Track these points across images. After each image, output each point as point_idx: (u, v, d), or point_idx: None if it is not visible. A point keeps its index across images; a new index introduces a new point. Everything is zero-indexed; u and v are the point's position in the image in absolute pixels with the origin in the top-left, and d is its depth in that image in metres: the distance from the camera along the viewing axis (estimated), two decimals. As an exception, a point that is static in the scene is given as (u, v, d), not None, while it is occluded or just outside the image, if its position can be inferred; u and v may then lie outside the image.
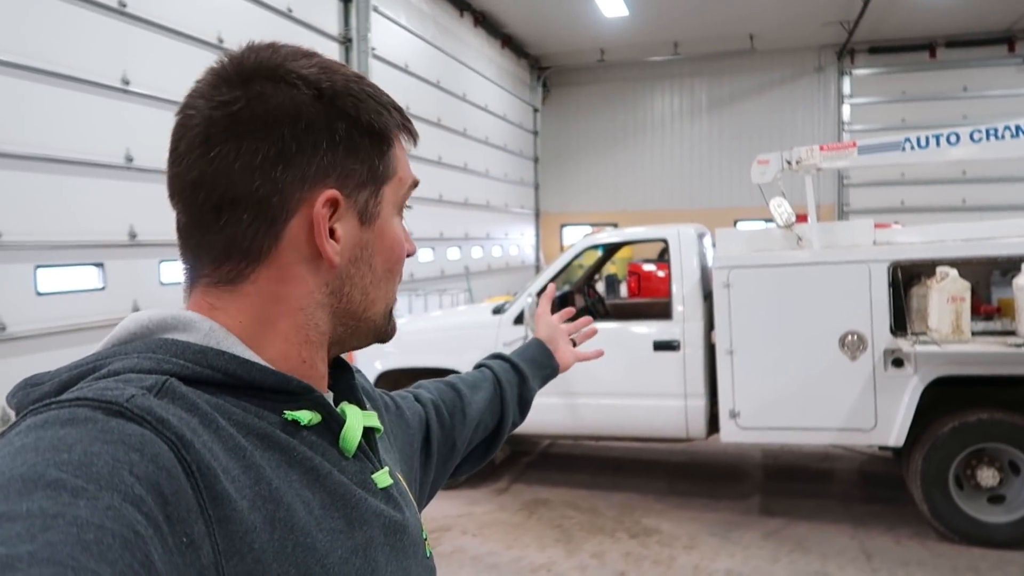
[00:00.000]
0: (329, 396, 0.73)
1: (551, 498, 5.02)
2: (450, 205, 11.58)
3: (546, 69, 16.33)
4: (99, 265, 5.27)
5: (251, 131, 0.62)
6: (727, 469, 5.57)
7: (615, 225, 14.78)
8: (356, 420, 0.69)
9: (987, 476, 4.02)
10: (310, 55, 0.68)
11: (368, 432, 0.72)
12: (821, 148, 4.47)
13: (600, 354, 1.44)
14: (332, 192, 0.65)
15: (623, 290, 13.16)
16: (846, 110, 14.81)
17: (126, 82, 5.43)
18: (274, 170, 0.63)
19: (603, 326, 4.95)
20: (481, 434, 1.14)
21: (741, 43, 14.42)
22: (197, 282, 0.66)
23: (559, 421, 4.91)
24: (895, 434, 4.08)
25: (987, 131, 4.16)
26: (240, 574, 0.52)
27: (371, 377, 5.17)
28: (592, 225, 15.31)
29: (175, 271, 5.81)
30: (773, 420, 4.31)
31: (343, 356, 0.78)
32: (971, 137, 4.18)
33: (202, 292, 0.66)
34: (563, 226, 16.90)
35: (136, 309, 5.24)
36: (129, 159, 5.44)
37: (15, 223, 4.65)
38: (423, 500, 0.98)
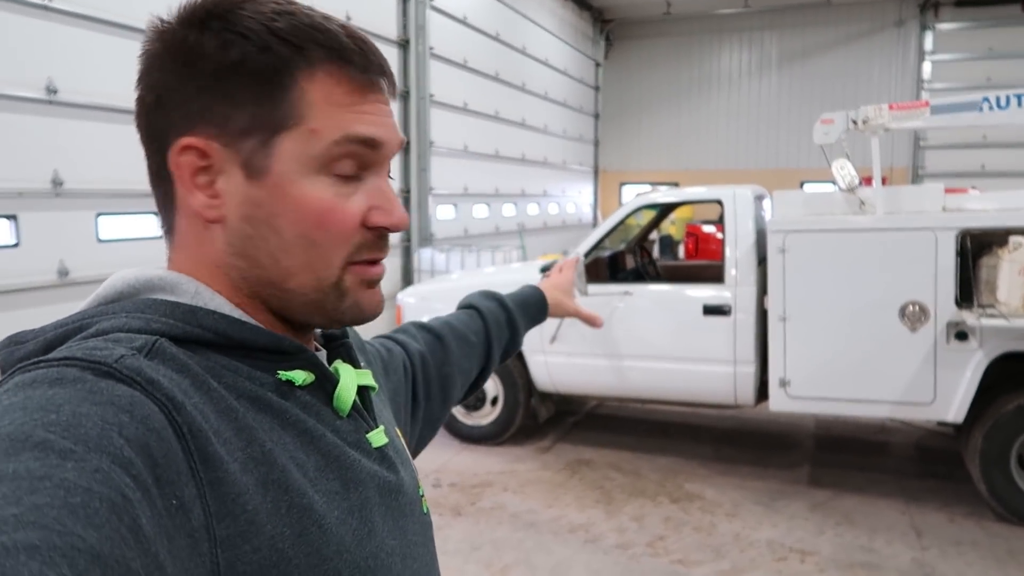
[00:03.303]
0: (323, 355, 0.71)
1: (594, 459, 5.01)
2: (507, 161, 11.48)
3: (609, 22, 15.90)
4: (11, 218, 4.48)
5: (145, 76, 0.63)
6: (777, 438, 5.46)
7: (676, 184, 14.47)
8: (350, 379, 0.68)
9: (1052, 457, 3.83)
10: None
11: (363, 391, 0.70)
12: (890, 107, 4.22)
13: (597, 324, 1.44)
14: (190, 139, 0.60)
15: (680, 251, 12.96)
16: (927, 67, 14.03)
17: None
18: (154, 114, 0.62)
19: (653, 288, 4.88)
20: (466, 380, 1.14)
21: (816, -5, 13.75)
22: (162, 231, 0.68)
23: (606, 382, 4.87)
24: (955, 410, 3.91)
25: (1076, 90, 3.86)
26: (232, 535, 0.51)
27: (417, 332, 5.21)
28: (652, 184, 15.03)
29: (118, 226, 5.11)
30: (825, 390, 4.18)
31: None
32: (1058, 97, 3.89)
33: (167, 244, 0.67)
34: (622, 184, 16.63)
35: (64, 270, 4.75)
36: (52, 91, 4.57)
37: None
38: (415, 451, 0.97)
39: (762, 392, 4.53)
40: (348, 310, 0.66)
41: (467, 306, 1.22)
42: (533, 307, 1.31)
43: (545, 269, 5.08)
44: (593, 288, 4.47)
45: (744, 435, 5.51)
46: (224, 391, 0.57)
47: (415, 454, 0.99)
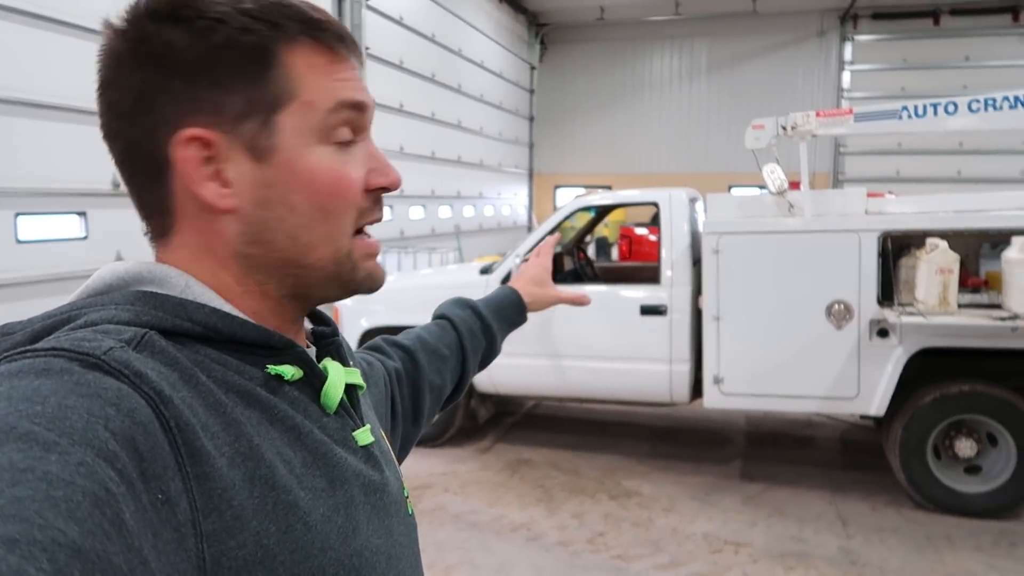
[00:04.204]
0: (312, 352, 0.71)
1: (534, 458, 5.05)
2: (442, 163, 11.46)
3: (544, 26, 16.06)
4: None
5: (115, 80, 0.60)
6: (710, 434, 5.61)
7: (609, 187, 14.69)
8: (338, 376, 0.68)
9: (965, 447, 4.05)
10: None
11: (350, 389, 0.70)
12: (817, 114, 4.40)
13: (584, 302, 1.37)
14: (191, 131, 0.59)
15: (614, 253, 13.17)
16: (846, 77, 14.65)
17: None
18: (137, 117, 0.60)
19: (591, 289, 4.95)
20: (438, 397, 1.11)
21: (744, 4, 14.19)
22: (148, 239, 0.66)
23: (546, 382, 4.92)
24: (877, 403, 4.10)
25: (986, 101, 4.10)
26: (218, 531, 0.51)
27: (356, 334, 5.16)
28: (586, 187, 15.22)
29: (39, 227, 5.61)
30: (756, 387, 4.33)
31: (326, 313, 0.76)
32: (969, 107, 4.12)
33: (154, 248, 0.65)
34: (557, 187, 16.79)
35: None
36: None
37: (-6, 169, 4.55)
38: (398, 459, 0.96)
39: (696, 390, 4.65)
40: (363, 280, 0.68)
41: (440, 316, 1.18)
42: (509, 309, 1.25)
43: (485, 271, 5.10)
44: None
45: (679, 432, 5.64)
46: (212, 385, 0.56)
47: (400, 459, 0.99)
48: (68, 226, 5.10)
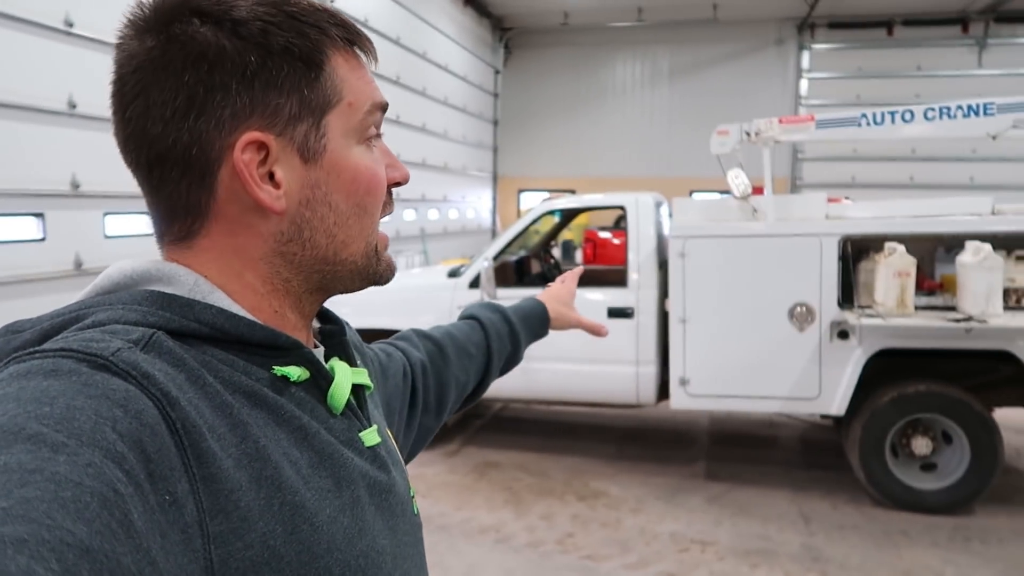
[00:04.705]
0: (320, 352, 0.71)
1: (502, 461, 5.06)
2: (408, 165, 11.30)
3: (509, 30, 16.09)
4: (39, 215, 5.06)
5: (157, 82, 0.59)
6: (675, 435, 5.68)
7: (573, 191, 14.78)
8: (345, 377, 0.68)
9: (921, 445, 4.17)
10: None
11: (357, 389, 0.71)
12: (780, 121, 4.50)
13: (602, 333, 1.37)
14: (252, 135, 0.60)
15: (579, 257, 13.24)
16: (804, 84, 14.95)
17: (70, 23, 5.17)
18: (186, 120, 0.59)
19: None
20: (461, 393, 1.12)
21: (704, 12, 14.39)
22: (162, 240, 0.65)
23: (512, 385, 4.91)
24: (837, 403, 4.20)
25: (940, 110, 4.24)
26: (225, 532, 0.51)
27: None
28: (550, 191, 15.29)
29: (120, 224, 5.64)
30: (722, 388, 4.40)
31: (333, 312, 0.77)
32: (925, 115, 4.26)
33: (168, 250, 0.65)
34: (521, 191, 16.82)
35: (79, 262, 5.17)
36: (72, 105, 5.18)
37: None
38: (407, 457, 0.97)
39: (663, 391, 4.71)
40: (384, 271, 0.72)
41: (469, 316, 1.20)
42: (535, 320, 1.27)
43: (453, 274, 5.10)
44: (501, 292, 4.53)
45: (645, 434, 5.71)
46: (219, 386, 0.56)
47: (406, 462, 0.99)
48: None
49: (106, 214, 5.52)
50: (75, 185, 5.21)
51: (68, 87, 5.15)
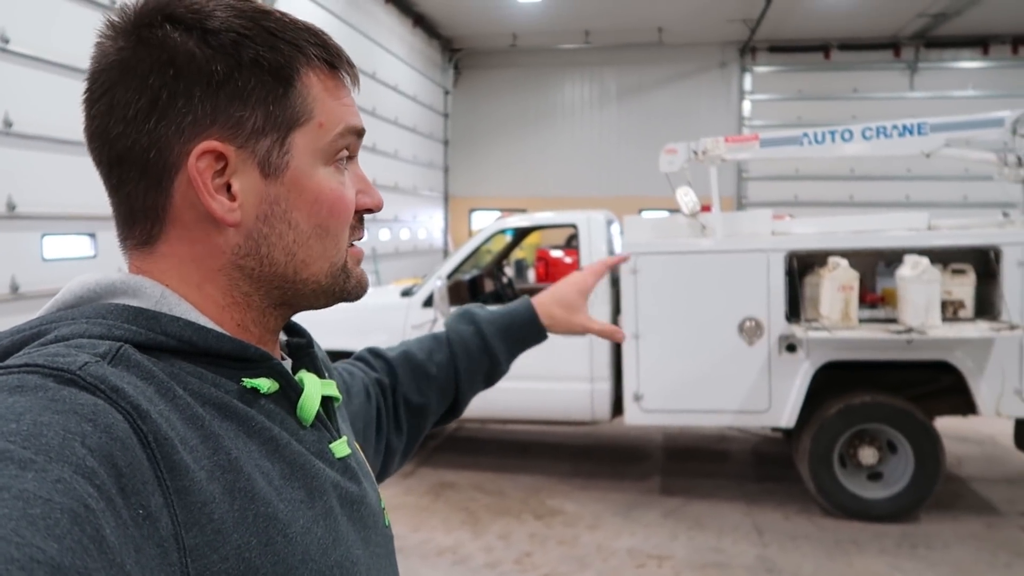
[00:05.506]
0: (288, 364, 0.70)
1: (458, 481, 5.02)
2: (358, 185, 11.34)
3: (458, 51, 16.19)
4: None
5: (122, 82, 0.59)
6: (630, 451, 5.72)
7: (524, 210, 14.86)
8: (314, 389, 0.67)
9: (867, 455, 4.28)
10: None
11: (326, 401, 0.70)
12: (726, 139, 4.61)
13: (618, 338, 1.24)
14: (211, 144, 0.59)
15: (531, 275, 13.30)
16: (746, 105, 15.37)
17: (5, 40, 5.02)
18: (147, 123, 0.58)
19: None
20: (419, 414, 1.10)
21: (650, 35, 14.71)
22: (125, 243, 0.64)
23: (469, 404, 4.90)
24: (787, 415, 4.28)
25: (877, 129, 4.40)
26: (201, 545, 0.50)
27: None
28: (501, 210, 15.35)
29: (59, 246, 5.46)
30: (675, 403, 4.45)
31: (300, 324, 0.76)
32: (863, 135, 4.41)
33: (129, 255, 0.64)
34: (472, 210, 16.85)
35: (15, 286, 4.96)
36: (8, 123, 5.01)
37: None
38: (378, 478, 0.96)
39: (617, 407, 4.74)
40: (353, 288, 0.70)
41: (448, 327, 1.16)
42: (520, 328, 1.17)
43: (407, 293, 5.07)
44: (455, 311, 4.51)
45: (600, 450, 5.73)
46: (189, 398, 0.56)
47: (385, 469, 1.00)
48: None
49: (44, 236, 5.33)
50: (11, 206, 5.02)
51: (4, 105, 4.98)
